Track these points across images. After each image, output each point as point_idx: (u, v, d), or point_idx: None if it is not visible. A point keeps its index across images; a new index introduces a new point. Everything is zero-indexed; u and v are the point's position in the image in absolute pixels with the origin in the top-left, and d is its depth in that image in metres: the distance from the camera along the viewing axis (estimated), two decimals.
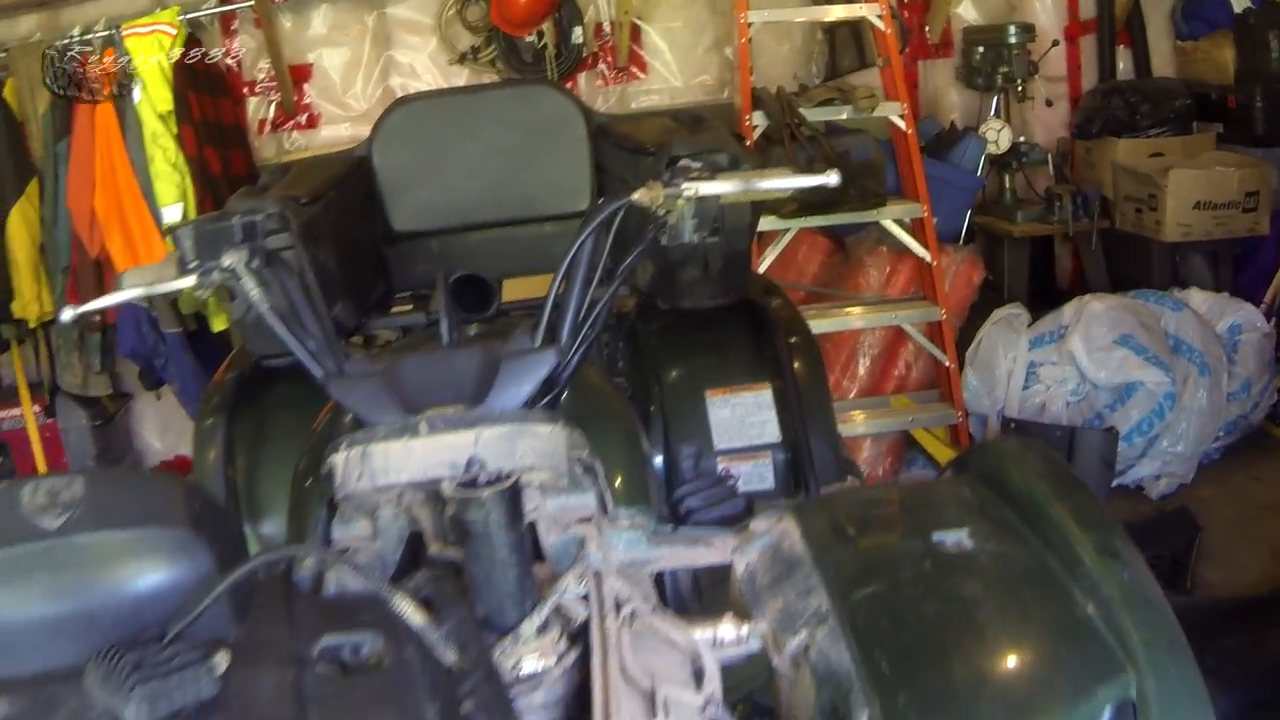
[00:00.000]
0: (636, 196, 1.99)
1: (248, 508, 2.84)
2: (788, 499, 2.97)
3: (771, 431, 2.98)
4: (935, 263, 5.21)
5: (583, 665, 1.54)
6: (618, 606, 1.61)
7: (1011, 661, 1.42)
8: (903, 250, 5.37)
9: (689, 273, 2.83)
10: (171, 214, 5.25)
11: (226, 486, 2.85)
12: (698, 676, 1.52)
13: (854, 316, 5.34)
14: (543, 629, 1.57)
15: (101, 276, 5.35)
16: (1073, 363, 4.99)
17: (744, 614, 1.64)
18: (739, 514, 2.16)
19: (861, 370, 5.62)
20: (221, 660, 1.39)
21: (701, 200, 2.02)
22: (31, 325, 5.70)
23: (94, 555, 1.47)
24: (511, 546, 1.56)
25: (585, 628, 1.58)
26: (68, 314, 2.24)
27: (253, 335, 2.77)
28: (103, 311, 5.01)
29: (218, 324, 5.45)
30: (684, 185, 1.99)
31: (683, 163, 2.09)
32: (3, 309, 5.61)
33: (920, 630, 1.46)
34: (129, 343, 5.56)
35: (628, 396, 3.10)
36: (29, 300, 5.58)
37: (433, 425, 1.83)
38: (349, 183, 3.39)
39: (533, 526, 1.77)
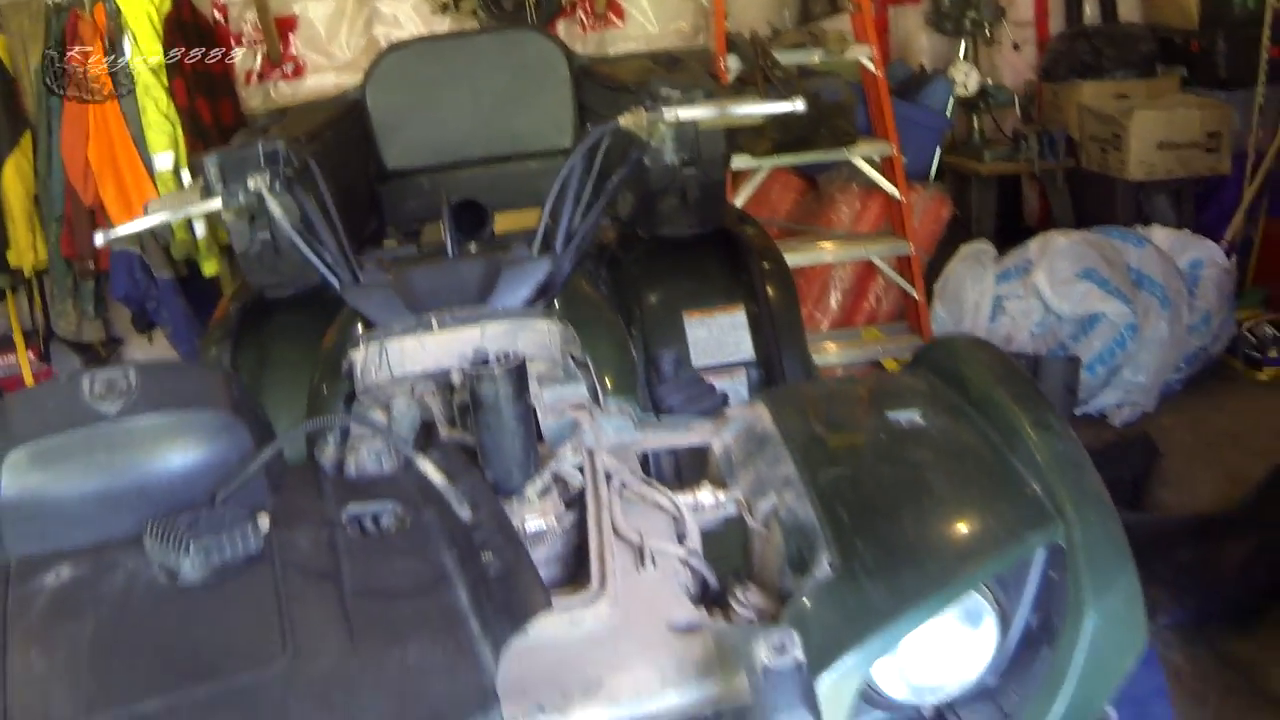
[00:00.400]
0: (623, 121, 2.19)
1: None
2: None
3: (746, 349, 3.18)
4: (904, 200, 5.39)
5: (580, 528, 1.74)
6: (609, 477, 1.81)
7: (954, 512, 1.61)
8: (873, 188, 5.54)
9: (668, 202, 3.01)
10: (163, 162, 5.38)
11: None
12: (680, 536, 1.72)
13: (826, 251, 5.53)
14: (544, 493, 1.77)
15: (95, 224, 5.44)
16: (1037, 295, 5.14)
17: (721, 485, 1.84)
18: (716, 407, 2.36)
19: (833, 303, 5.82)
20: (264, 522, 1.58)
21: (680, 125, 2.21)
22: (26, 274, 5.83)
23: (147, 435, 1.65)
24: (518, 417, 1.75)
25: (581, 495, 1.78)
26: (100, 238, 2.44)
27: (256, 267, 2.90)
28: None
29: (209, 268, 5.58)
30: (664, 110, 2.18)
31: (664, 91, 2.28)
32: None
33: (875, 489, 1.66)
34: (122, 287, 5.68)
35: None
36: (24, 249, 5.70)
37: (443, 322, 2.04)
38: (344, 124, 3.56)
39: (533, 411, 1.96)
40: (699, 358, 3.18)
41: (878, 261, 5.52)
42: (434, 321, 2.06)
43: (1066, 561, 1.55)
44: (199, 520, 1.52)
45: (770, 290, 3.23)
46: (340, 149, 3.41)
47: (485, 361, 1.76)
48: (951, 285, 5.44)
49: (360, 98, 3.79)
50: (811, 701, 1.34)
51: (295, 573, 1.50)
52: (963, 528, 1.59)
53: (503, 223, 3.45)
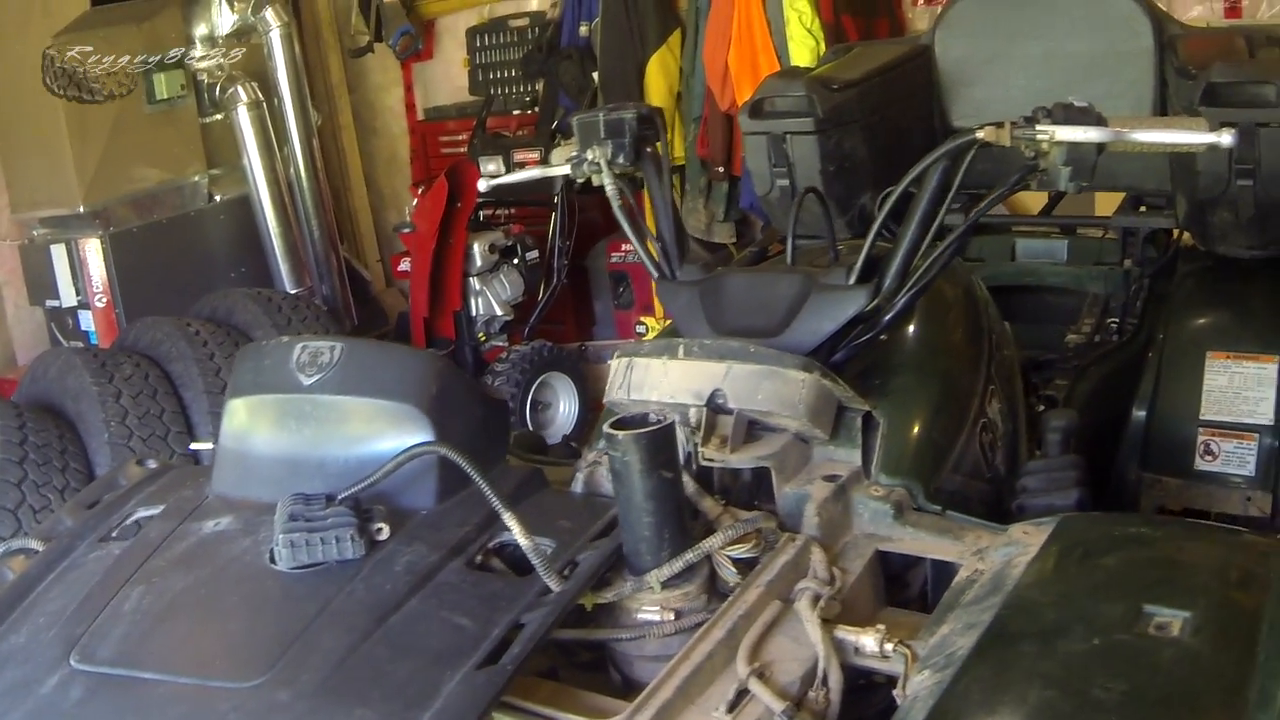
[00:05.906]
0: (982, 135, 1.81)
1: None
2: (1263, 492, 2.69)
3: (1266, 411, 2.69)
4: None
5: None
6: (801, 576, 1.57)
7: None
8: None
9: (1220, 215, 2.65)
10: None
11: None
12: (814, 679, 1.43)
13: None
14: (677, 581, 1.53)
15: (731, 130, 5.56)
16: None
17: (905, 630, 1.50)
18: (1065, 508, 1.92)
19: None
20: (383, 530, 1.56)
21: (1075, 147, 1.78)
22: None
23: (332, 414, 1.69)
24: (648, 493, 1.51)
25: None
26: (484, 184, 2.48)
27: (774, 211, 2.95)
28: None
29: None
30: (1038, 129, 1.77)
31: (1056, 104, 1.83)
32: None
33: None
34: (750, 197, 5.75)
35: (1126, 339, 2.90)
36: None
37: (689, 351, 1.85)
38: (903, 70, 3.38)
39: (768, 473, 1.77)
40: (1209, 409, 2.72)
41: None
42: (681, 350, 1.86)
43: None
44: (305, 513, 1.52)
45: None
46: (892, 97, 3.24)
47: (644, 419, 1.55)
48: None
49: (930, 43, 3.53)
50: None
51: (359, 593, 1.48)
52: None
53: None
